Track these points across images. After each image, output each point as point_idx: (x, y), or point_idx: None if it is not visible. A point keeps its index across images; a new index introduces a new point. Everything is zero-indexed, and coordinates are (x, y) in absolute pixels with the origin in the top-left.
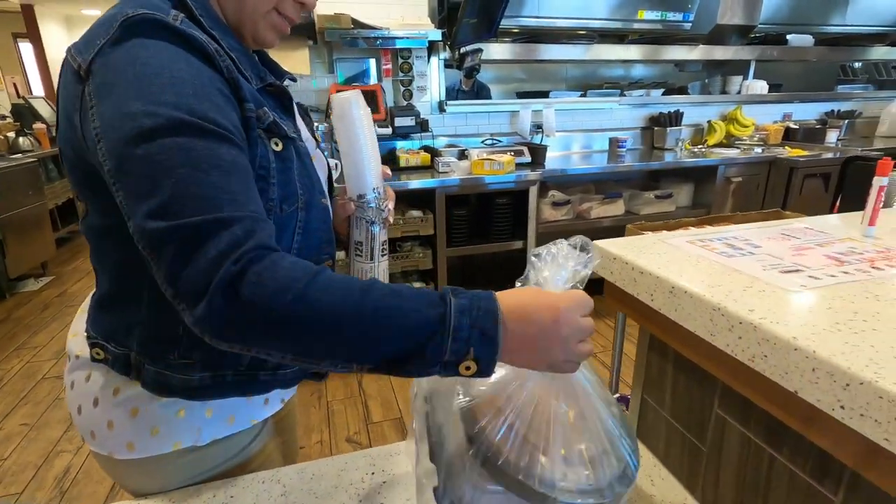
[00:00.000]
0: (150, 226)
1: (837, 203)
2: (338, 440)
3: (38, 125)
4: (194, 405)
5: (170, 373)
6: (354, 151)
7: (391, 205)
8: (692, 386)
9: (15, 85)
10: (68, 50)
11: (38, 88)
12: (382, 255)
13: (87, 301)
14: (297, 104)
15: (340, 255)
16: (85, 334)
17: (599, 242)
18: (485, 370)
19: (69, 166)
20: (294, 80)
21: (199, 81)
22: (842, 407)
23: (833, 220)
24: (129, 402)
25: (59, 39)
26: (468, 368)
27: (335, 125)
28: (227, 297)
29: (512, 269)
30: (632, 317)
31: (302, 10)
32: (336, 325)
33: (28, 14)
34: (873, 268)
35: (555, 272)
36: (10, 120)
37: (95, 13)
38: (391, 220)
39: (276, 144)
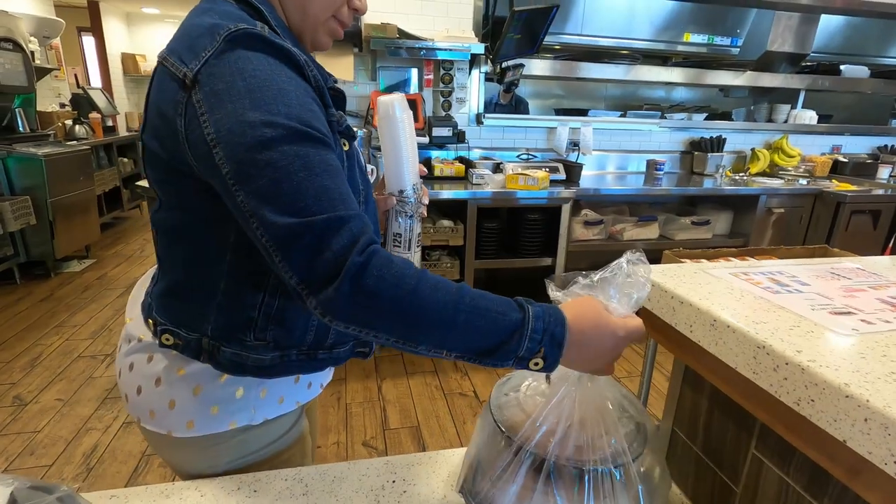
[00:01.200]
0: (282, 222)
1: (892, 244)
2: (354, 443)
3: (93, 115)
4: (251, 386)
5: (245, 353)
6: (396, 149)
7: (426, 200)
8: (728, 423)
9: (76, 76)
10: (164, 57)
11: (95, 80)
12: (417, 247)
13: (139, 286)
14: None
15: None
16: (149, 320)
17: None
18: (550, 366)
19: (153, 162)
20: (335, 82)
21: (299, 91)
22: None
23: (886, 261)
24: (192, 381)
25: (119, 34)
26: (536, 364)
27: (379, 125)
28: (353, 285)
29: (539, 286)
30: (666, 346)
31: (355, 15)
32: (440, 319)
33: (93, 9)
34: None
35: (615, 297)
36: (68, 108)
37: (154, 11)
38: (425, 213)
39: (345, 144)
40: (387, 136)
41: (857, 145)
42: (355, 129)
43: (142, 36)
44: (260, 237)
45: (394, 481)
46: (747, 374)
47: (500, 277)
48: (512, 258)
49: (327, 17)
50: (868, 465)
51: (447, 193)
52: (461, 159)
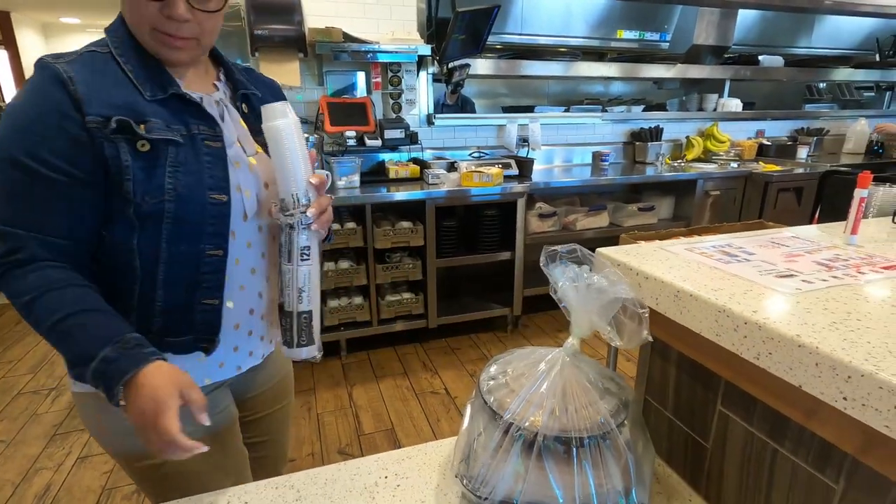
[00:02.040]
0: None
1: (817, 214)
2: (329, 452)
3: None
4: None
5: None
6: (276, 157)
7: (312, 212)
8: (695, 386)
9: None
10: None
11: (10, 96)
12: (303, 260)
13: None
14: (253, 113)
15: None
16: None
17: (603, 250)
18: (110, 399)
19: None
20: (256, 94)
21: (40, 118)
22: (844, 398)
23: (816, 230)
24: None
25: (35, 46)
26: (100, 389)
27: (263, 132)
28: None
29: (500, 279)
30: None
31: (178, 23)
32: (39, 330)
33: (4, 20)
34: (859, 273)
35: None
36: None
37: (74, 21)
38: (317, 227)
39: (143, 146)
40: (270, 144)
41: (778, 129)
42: (305, 136)
43: (61, 47)
44: None
45: (386, 477)
46: (711, 337)
47: (463, 274)
48: (472, 254)
49: (150, 31)
50: (821, 405)
51: (404, 195)
52: (415, 160)
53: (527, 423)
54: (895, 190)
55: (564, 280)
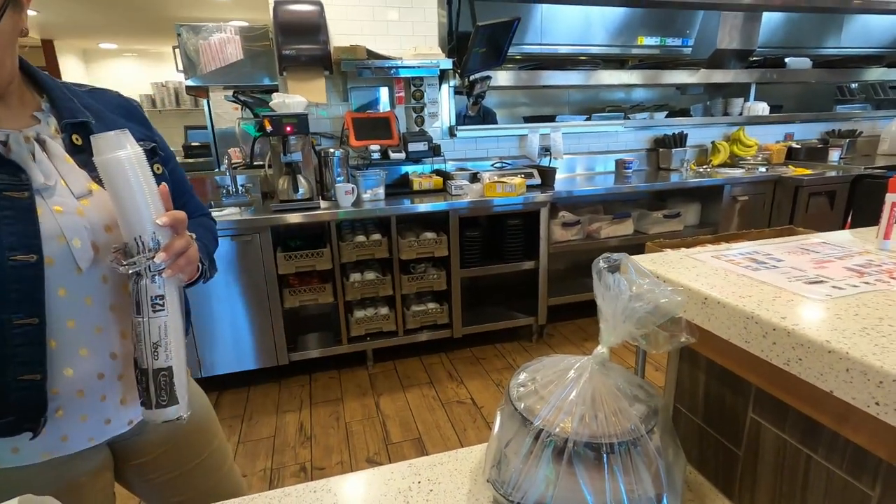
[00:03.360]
0: None
1: (849, 219)
2: (358, 460)
3: None
4: None
5: None
6: (114, 197)
7: (163, 256)
8: (725, 392)
9: None
10: None
11: None
12: (156, 312)
13: None
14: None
15: None
16: None
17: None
18: None
19: None
20: (89, 122)
21: None
22: (876, 403)
23: (847, 235)
24: None
25: (77, 71)
26: None
27: (97, 168)
28: None
29: (524, 289)
30: None
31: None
32: None
33: (48, 49)
34: (892, 278)
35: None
36: None
37: (112, 46)
38: (171, 273)
39: None
40: (106, 182)
41: (808, 132)
42: (331, 150)
43: (101, 72)
44: None
45: (419, 482)
46: (740, 344)
47: (487, 284)
48: (496, 264)
49: None
50: (853, 410)
51: (428, 206)
52: (438, 172)
53: (557, 430)
54: None
55: (601, 288)
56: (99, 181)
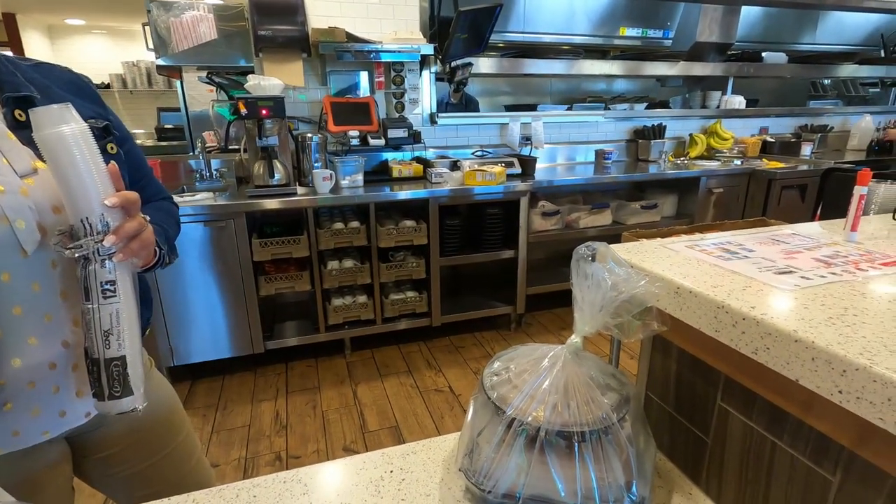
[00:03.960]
0: None
1: (819, 211)
2: (334, 449)
3: None
4: None
5: None
6: (58, 175)
7: (112, 238)
8: (695, 381)
9: None
10: None
11: None
12: (106, 298)
13: None
14: (20, 122)
15: None
16: None
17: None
18: None
19: None
20: (33, 96)
21: None
22: (840, 392)
23: (816, 226)
24: None
25: (41, 47)
26: None
27: (38, 144)
28: None
29: (503, 278)
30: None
31: None
32: None
33: (9, 22)
34: (858, 269)
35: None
36: None
37: (79, 23)
38: (124, 257)
39: None
40: (48, 160)
41: (782, 125)
42: (309, 135)
43: (68, 50)
44: None
45: (391, 471)
46: (710, 333)
47: (466, 272)
48: (475, 253)
49: None
50: (817, 398)
51: (407, 194)
52: (418, 159)
53: (529, 419)
54: None
55: (579, 277)
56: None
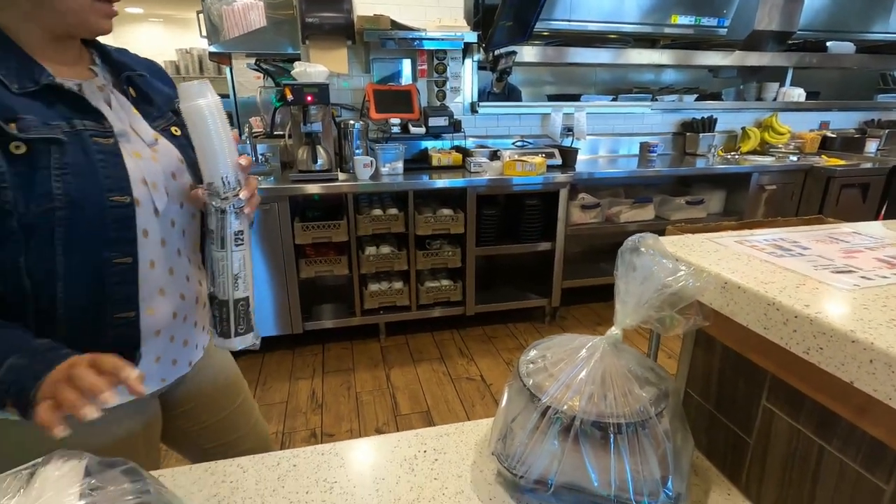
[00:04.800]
0: None
1: (883, 211)
2: (367, 430)
3: None
4: None
5: None
6: (201, 139)
7: (244, 194)
8: (739, 379)
9: None
10: None
11: None
12: (237, 245)
13: None
14: (142, 96)
15: None
16: None
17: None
18: (24, 415)
19: None
20: (143, 75)
21: None
22: None
23: (879, 226)
24: None
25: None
26: (14, 411)
27: (182, 113)
28: None
29: (539, 270)
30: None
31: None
32: None
33: None
34: None
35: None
36: None
37: (138, 11)
38: (249, 211)
39: (17, 148)
40: (189, 125)
41: (845, 120)
42: (351, 122)
43: (126, 36)
44: None
45: (425, 451)
46: (758, 331)
47: (502, 263)
48: (512, 244)
49: (90, 2)
50: (874, 402)
51: (445, 182)
52: (458, 148)
53: (565, 407)
54: None
55: (624, 268)
56: (162, 130)
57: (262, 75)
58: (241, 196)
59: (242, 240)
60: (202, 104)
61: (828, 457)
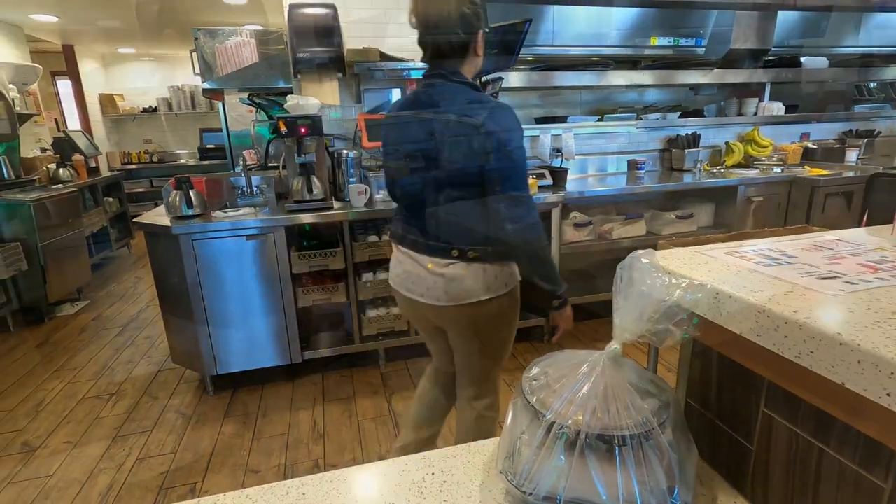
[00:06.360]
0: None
1: (865, 217)
2: (370, 458)
3: (77, 157)
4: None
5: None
6: None
7: None
8: (737, 387)
9: (56, 120)
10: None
11: (73, 122)
12: None
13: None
14: None
15: None
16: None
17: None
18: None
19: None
20: None
21: None
22: (888, 394)
23: (862, 232)
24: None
25: (96, 75)
26: None
27: None
28: None
29: (536, 290)
30: None
31: None
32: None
33: (68, 53)
34: None
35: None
36: (50, 153)
37: (130, 51)
38: None
39: None
40: None
41: (824, 131)
42: (344, 152)
43: (119, 76)
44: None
45: (433, 473)
46: (751, 338)
47: None
48: None
49: None
50: (865, 402)
51: None
52: None
53: (569, 422)
54: None
55: (622, 284)
56: None
57: (254, 109)
58: None
59: None
60: None
61: (827, 459)
